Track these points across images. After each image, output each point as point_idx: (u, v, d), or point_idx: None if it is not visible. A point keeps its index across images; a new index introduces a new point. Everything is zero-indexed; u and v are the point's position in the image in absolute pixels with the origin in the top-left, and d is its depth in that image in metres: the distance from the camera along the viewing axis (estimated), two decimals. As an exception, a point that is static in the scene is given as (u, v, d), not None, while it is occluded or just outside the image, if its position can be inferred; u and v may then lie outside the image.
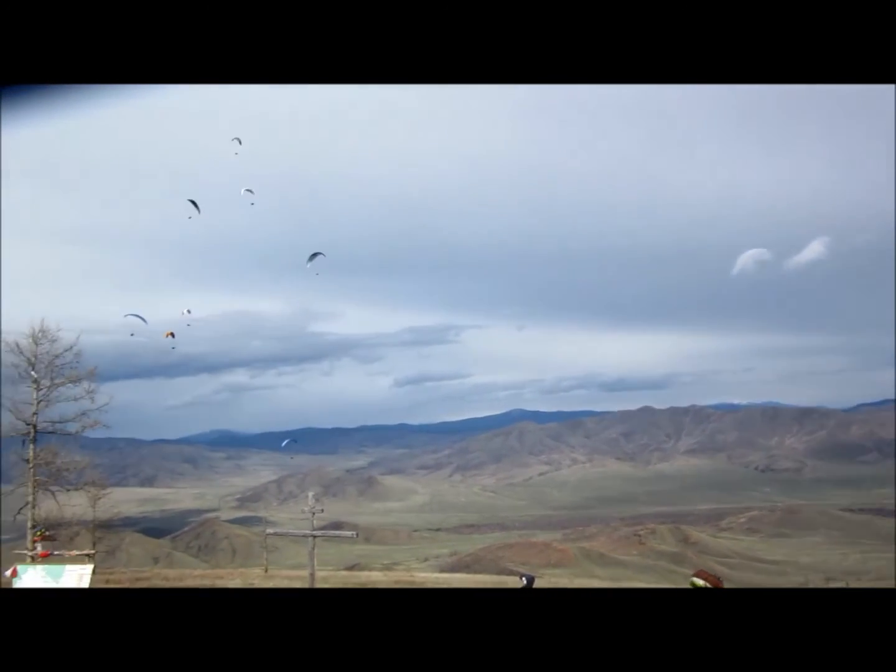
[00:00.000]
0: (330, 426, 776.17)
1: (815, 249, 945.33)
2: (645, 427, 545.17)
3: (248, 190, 26.34)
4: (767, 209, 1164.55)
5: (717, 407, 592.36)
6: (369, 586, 35.50)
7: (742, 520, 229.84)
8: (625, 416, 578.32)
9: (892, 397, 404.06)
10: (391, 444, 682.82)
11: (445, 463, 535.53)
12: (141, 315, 28.86)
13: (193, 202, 26.89)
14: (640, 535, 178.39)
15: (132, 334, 29.18)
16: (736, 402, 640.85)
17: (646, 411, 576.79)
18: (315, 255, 28.61)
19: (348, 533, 20.93)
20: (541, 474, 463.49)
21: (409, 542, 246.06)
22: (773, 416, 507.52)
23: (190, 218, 26.94)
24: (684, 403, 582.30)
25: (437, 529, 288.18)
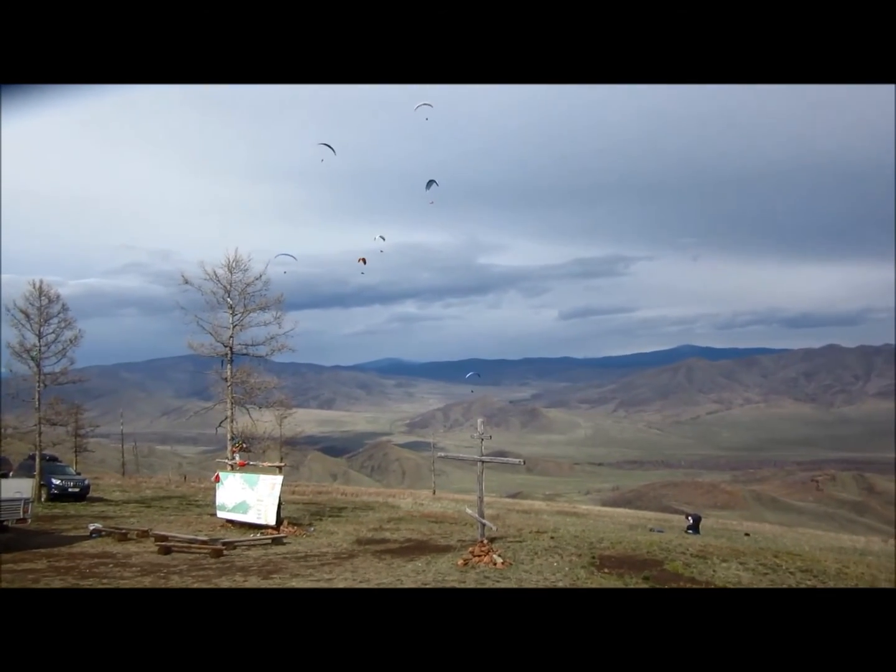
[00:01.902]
0: (494, 357, 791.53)
1: None
2: (830, 367, 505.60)
3: (424, 104, 26.03)
4: None
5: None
6: (532, 512, 36.50)
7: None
8: (807, 354, 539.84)
9: None
10: (554, 376, 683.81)
11: (609, 397, 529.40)
12: (292, 254, 30.54)
13: (328, 145, 27.56)
14: (817, 481, 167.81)
15: (285, 272, 30.78)
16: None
17: (831, 349, 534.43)
18: (430, 182, 28.36)
19: (516, 460, 21.30)
20: (710, 413, 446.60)
21: (571, 475, 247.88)
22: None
23: (322, 161, 27.67)
24: (877, 342, 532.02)
25: (600, 464, 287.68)
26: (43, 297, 30.75)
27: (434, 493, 59.08)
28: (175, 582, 13.58)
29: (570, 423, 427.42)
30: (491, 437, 17.57)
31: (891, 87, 4.96)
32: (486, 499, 18.30)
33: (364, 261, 30.81)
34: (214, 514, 24.50)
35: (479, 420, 17.70)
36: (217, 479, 24.78)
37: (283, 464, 25.83)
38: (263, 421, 35.72)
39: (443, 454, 26.48)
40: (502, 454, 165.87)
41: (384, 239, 30.56)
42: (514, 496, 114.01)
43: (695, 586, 12.81)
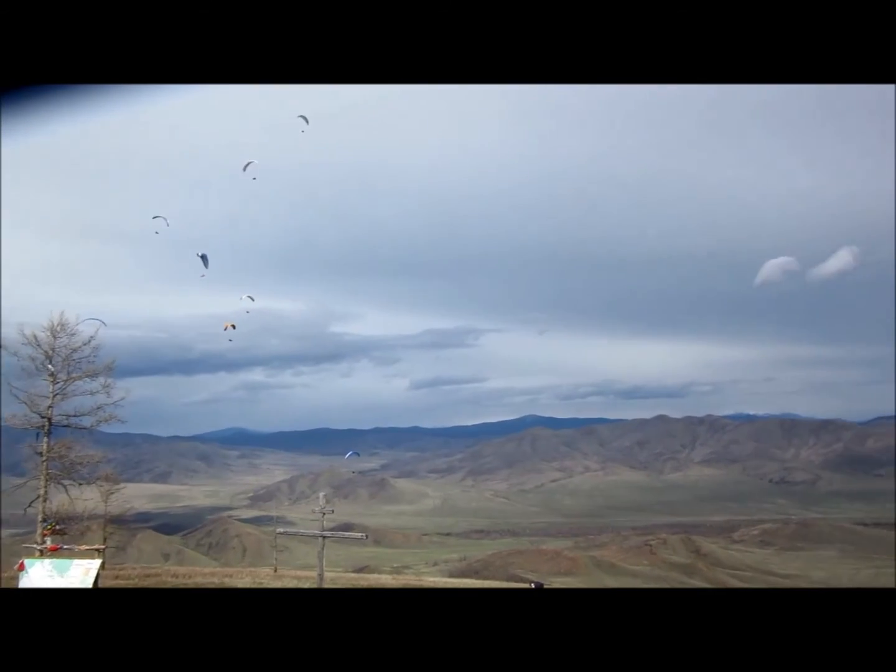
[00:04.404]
0: (344, 427, 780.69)
1: (842, 258, 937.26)
2: (659, 436, 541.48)
3: (250, 162, 26.31)
4: (795, 216, 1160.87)
5: (733, 417, 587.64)
6: (377, 586, 35.40)
7: (755, 532, 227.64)
8: (639, 424, 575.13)
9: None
10: (404, 446, 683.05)
11: (457, 467, 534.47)
12: (101, 318, 28.34)
13: (162, 217, 27.37)
14: (651, 546, 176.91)
15: (92, 338, 27.76)
16: (753, 412, 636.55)
17: (661, 420, 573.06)
18: (203, 257, 28.44)
19: (358, 535, 20.88)
20: (553, 481, 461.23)
21: (419, 546, 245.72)
22: (789, 427, 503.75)
23: (157, 233, 27.31)
24: (700, 413, 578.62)
25: (448, 534, 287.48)
26: None
27: (276, 570, 56.22)
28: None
29: (419, 494, 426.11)
30: (333, 511, 17.00)
31: (891, 87, 5.01)
32: (329, 574, 17.53)
33: (233, 326, 29.51)
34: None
35: (321, 494, 17.12)
36: (21, 568, 22.15)
37: (103, 546, 23.55)
38: (85, 499, 32.68)
39: (282, 530, 25.36)
40: (348, 527, 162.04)
41: (253, 299, 29.66)
42: (360, 570, 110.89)
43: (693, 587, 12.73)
